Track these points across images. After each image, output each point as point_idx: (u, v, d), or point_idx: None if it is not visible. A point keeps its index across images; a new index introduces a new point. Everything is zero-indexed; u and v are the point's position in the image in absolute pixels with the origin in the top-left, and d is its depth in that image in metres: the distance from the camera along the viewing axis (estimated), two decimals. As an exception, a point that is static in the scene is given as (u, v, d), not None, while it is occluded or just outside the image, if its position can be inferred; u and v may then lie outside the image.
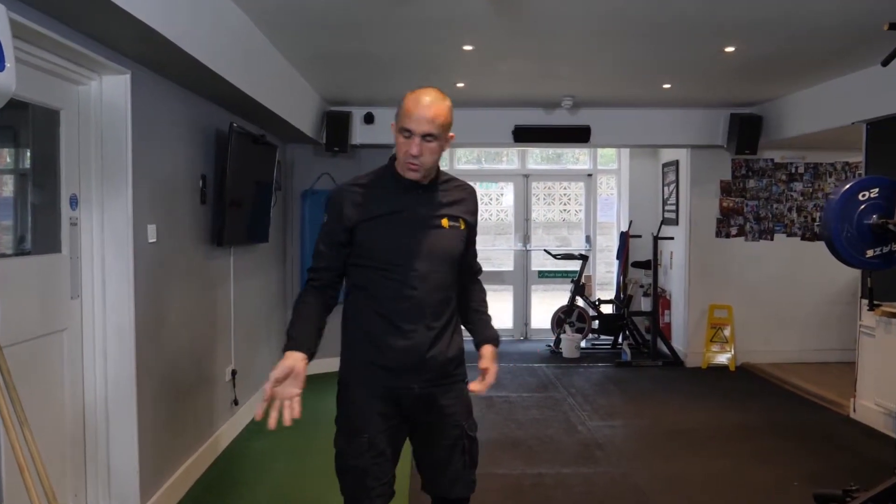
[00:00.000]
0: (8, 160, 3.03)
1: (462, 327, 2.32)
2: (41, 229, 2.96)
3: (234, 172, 4.28)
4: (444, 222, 2.19)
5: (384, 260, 2.13)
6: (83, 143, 3.07)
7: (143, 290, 3.26)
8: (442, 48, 4.39)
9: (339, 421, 2.20)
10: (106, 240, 3.13)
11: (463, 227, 2.24)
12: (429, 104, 2.07)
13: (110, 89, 3.11)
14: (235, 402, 4.65)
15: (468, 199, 2.30)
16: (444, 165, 8.61)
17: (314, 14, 3.70)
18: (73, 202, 3.03)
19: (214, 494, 3.76)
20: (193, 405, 3.96)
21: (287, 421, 1.92)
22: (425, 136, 2.07)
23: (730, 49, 4.41)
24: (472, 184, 2.41)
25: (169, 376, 3.60)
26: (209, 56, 3.27)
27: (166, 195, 3.62)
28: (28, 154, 3.03)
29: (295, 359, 1.99)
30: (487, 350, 2.25)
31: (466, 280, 2.36)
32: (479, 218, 2.37)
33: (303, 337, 2.07)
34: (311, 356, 2.06)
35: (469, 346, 2.27)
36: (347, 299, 2.24)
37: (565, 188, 8.80)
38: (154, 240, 3.39)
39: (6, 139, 2.93)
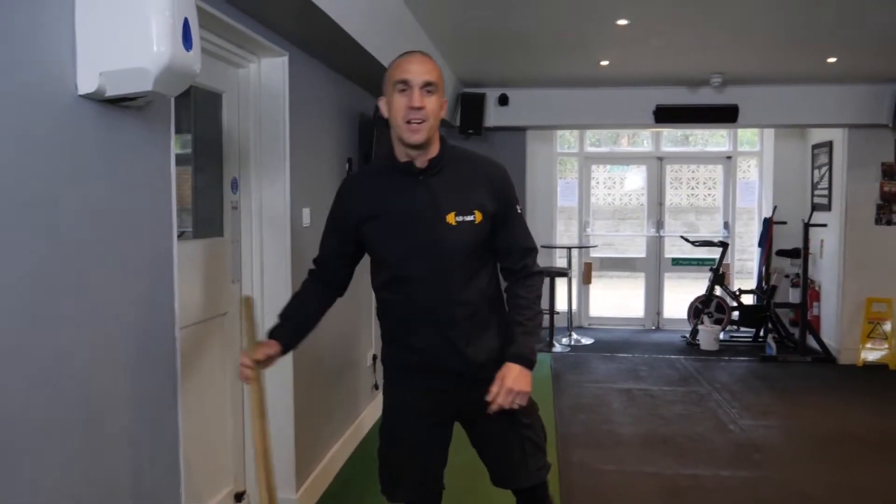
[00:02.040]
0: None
1: (498, 324, 2.06)
2: (204, 213, 2.98)
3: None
4: (451, 218, 1.92)
5: (388, 264, 2.01)
6: (242, 126, 3.07)
7: (299, 275, 3.21)
8: (594, 23, 4.13)
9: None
10: (264, 223, 3.13)
11: (479, 219, 1.93)
12: (423, 59, 1.93)
13: (269, 72, 3.09)
14: (376, 387, 4.63)
15: (488, 181, 1.97)
16: (571, 147, 8.18)
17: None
18: (234, 186, 3.04)
19: (361, 478, 3.74)
20: (340, 390, 3.95)
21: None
22: (425, 86, 1.89)
23: (921, 13, 3.92)
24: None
25: (320, 361, 3.59)
26: (364, 35, 3.20)
27: (317, 178, 3.59)
28: (191, 138, 3.06)
29: (272, 347, 2.07)
30: (504, 366, 1.94)
31: (507, 278, 2.07)
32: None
33: (284, 331, 2.11)
34: (286, 350, 2.11)
35: None
36: (376, 296, 2.12)
37: (693, 171, 8.29)
38: (308, 223, 3.37)
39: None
